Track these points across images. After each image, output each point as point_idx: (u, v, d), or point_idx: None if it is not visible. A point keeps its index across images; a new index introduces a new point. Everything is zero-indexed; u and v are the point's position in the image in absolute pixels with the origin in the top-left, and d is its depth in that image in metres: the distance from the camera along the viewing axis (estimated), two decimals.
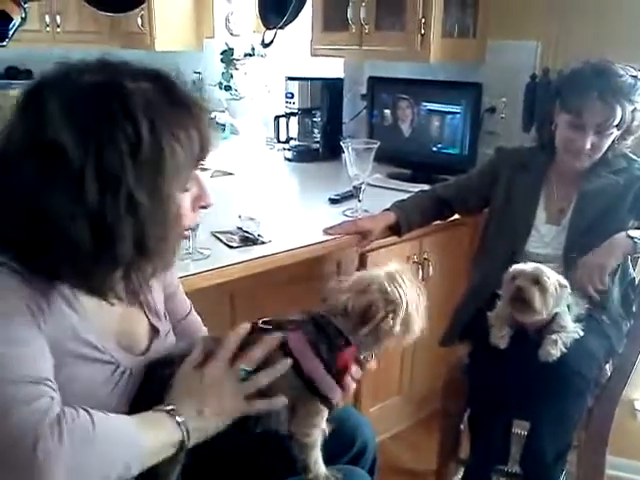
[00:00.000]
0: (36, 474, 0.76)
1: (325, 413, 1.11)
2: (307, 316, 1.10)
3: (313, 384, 1.06)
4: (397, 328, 1.08)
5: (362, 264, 2.03)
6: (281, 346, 1.05)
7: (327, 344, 1.06)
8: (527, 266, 1.57)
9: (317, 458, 1.11)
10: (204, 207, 0.97)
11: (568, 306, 1.59)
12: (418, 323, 1.10)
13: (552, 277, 1.54)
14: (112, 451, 0.83)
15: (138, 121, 0.82)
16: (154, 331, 1.08)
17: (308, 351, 1.05)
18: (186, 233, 0.98)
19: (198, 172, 0.94)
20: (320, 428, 1.11)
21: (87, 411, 0.83)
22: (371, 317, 1.07)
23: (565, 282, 1.56)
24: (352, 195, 2.12)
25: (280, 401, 1.01)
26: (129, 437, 0.86)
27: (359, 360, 1.11)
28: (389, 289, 1.08)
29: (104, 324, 0.96)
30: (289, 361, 1.01)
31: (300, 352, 1.05)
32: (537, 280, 1.53)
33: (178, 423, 0.90)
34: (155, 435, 0.88)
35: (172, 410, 0.91)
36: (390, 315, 1.07)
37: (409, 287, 1.10)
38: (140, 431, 0.87)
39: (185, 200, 0.92)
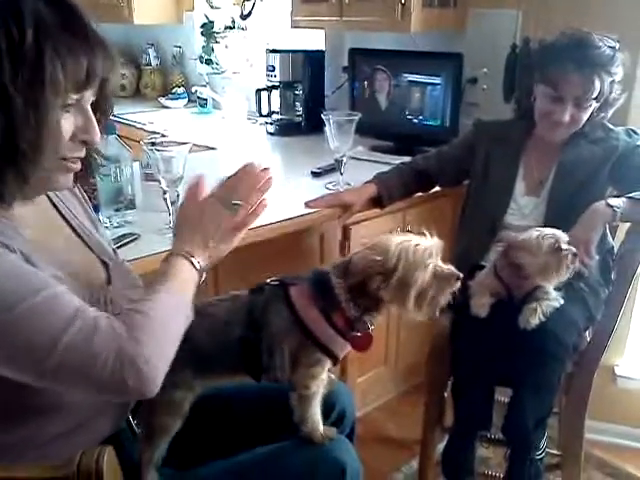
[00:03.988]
0: (143, 373, 0.85)
1: (326, 365, 1.15)
2: (311, 272, 1.15)
3: (313, 334, 1.10)
4: (385, 292, 1.08)
5: (345, 237, 2.03)
6: (283, 297, 1.13)
7: (325, 297, 1.11)
8: (557, 231, 1.56)
9: (314, 414, 1.15)
10: (87, 143, 0.97)
11: None
12: (415, 300, 1.09)
13: None
14: (172, 318, 0.95)
15: (24, 23, 0.84)
16: (104, 265, 1.11)
17: (307, 300, 1.11)
18: (72, 165, 0.98)
19: (88, 104, 0.95)
20: (320, 380, 1.15)
21: (134, 309, 0.91)
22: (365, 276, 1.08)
23: None
24: (334, 168, 2.11)
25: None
26: (174, 301, 0.97)
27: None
28: (391, 252, 1.08)
29: (54, 258, 0.98)
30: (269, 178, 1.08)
31: (300, 303, 1.11)
32: None
33: (194, 264, 1.02)
34: (187, 283, 1.00)
35: (187, 254, 1.02)
36: (380, 277, 1.07)
37: (419, 262, 1.08)
38: (178, 290, 0.98)
39: (65, 123, 0.92)
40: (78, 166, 0.99)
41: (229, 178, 1.07)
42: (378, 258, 1.09)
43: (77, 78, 0.89)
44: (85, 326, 0.85)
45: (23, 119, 0.85)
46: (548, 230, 1.58)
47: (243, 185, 1.06)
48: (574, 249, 1.52)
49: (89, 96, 0.94)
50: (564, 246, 1.52)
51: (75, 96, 0.91)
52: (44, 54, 0.85)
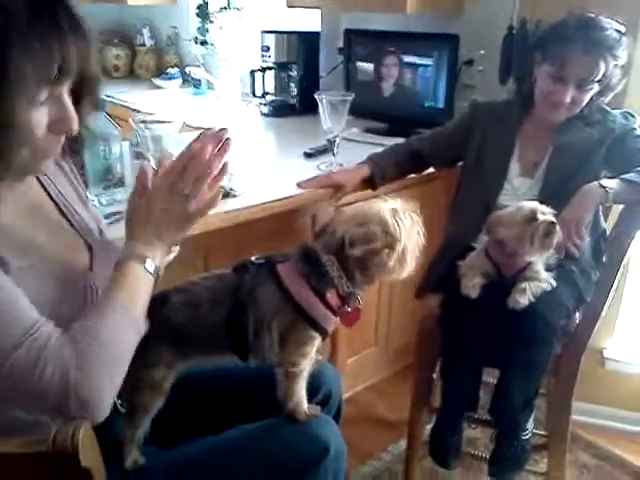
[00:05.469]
0: (87, 404, 0.84)
1: (316, 342, 1.14)
2: (298, 250, 1.13)
3: (306, 313, 1.09)
4: (391, 264, 1.08)
5: None
6: (270, 272, 1.11)
7: (317, 275, 1.09)
8: (539, 204, 1.56)
9: (299, 390, 1.15)
10: (66, 132, 0.93)
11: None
12: (411, 263, 1.10)
13: None
14: (124, 338, 0.93)
15: None
16: (88, 247, 1.09)
17: (297, 278, 1.10)
18: (51, 153, 0.95)
19: (65, 96, 0.90)
20: (309, 358, 1.14)
21: (84, 329, 0.89)
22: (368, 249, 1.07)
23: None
24: (327, 149, 2.10)
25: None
26: (126, 318, 0.94)
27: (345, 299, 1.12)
28: (390, 223, 1.07)
29: (31, 243, 0.96)
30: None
31: (290, 281, 1.09)
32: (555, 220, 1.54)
33: (147, 269, 0.98)
34: (140, 292, 0.98)
35: (139, 257, 0.98)
36: (386, 250, 1.07)
37: (410, 225, 1.10)
38: (130, 303, 0.95)
39: (38, 116, 0.88)
40: (58, 151, 0.96)
41: (172, 162, 1.00)
42: (378, 231, 1.07)
43: (49, 72, 0.84)
44: (33, 349, 0.83)
45: None
46: (528, 203, 1.58)
47: (192, 166, 0.97)
48: (551, 218, 1.52)
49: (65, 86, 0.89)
50: (540, 216, 1.52)
51: (48, 91, 0.86)
52: (9, 49, 0.79)
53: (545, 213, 1.53)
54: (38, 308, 0.89)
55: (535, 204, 1.56)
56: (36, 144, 0.89)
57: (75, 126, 0.92)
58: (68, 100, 0.91)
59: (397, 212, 1.09)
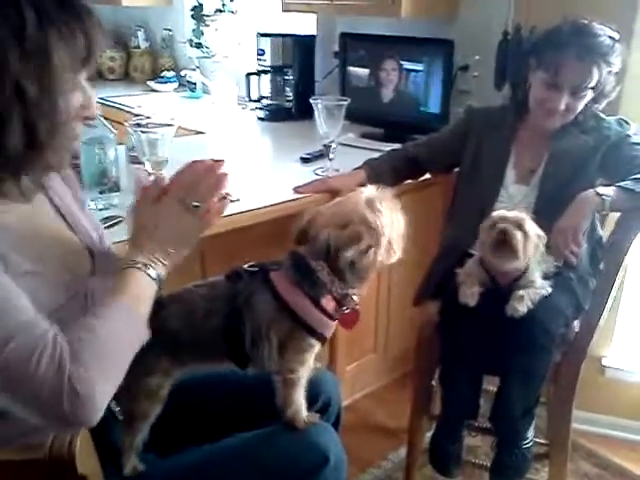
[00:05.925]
0: (82, 400, 0.80)
1: (315, 349, 1.13)
2: (289, 258, 1.11)
3: (302, 321, 1.08)
4: (379, 259, 1.07)
5: None
6: (264, 281, 1.10)
7: (310, 282, 1.08)
8: (509, 212, 1.55)
9: (298, 398, 1.13)
10: (88, 118, 0.96)
11: (537, 261, 1.59)
12: (397, 250, 1.10)
13: (532, 224, 1.54)
14: (123, 339, 0.91)
15: (23, 9, 0.82)
16: (90, 253, 1.08)
17: (292, 286, 1.09)
18: (75, 142, 0.98)
19: (85, 81, 0.93)
20: (307, 366, 1.13)
21: (83, 326, 0.87)
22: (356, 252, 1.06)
23: (542, 234, 1.56)
24: (323, 154, 2.09)
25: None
26: (126, 317, 0.93)
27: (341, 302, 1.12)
28: (370, 218, 1.06)
29: (35, 250, 0.95)
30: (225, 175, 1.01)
31: (285, 289, 1.09)
32: (520, 225, 1.52)
33: (152, 277, 0.97)
34: (142, 298, 0.96)
35: (144, 265, 0.97)
36: (373, 248, 1.06)
37: (389, 213, 1.09)
38: (134, 305, 0.94)
39: (72, 102, 0.91)
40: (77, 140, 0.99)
41: (181, 175, 1.00)
42: (362, 230, 1.06)
43: (80, 56, 0.88)
44: (28, 343, 0.81)
45: (39, 108, 0.84)
46: (500, 211, 1.58)
47: (203, 184, 0.98)
48: (505, 226, 1.51)
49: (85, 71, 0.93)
50: (499, 225, 1.52)
51: (79, 75, 0.90)
52: (49, 38, 0.83)
53: (506, 222, 1.52)
54: (41, 312, 0.87)
55: (503, 212, 1.56)
56: (67, 132, 0.91)
57: (96, 111, 0.96)
58: (88, 85, 0.94)
59: (374, 203, 1.08)
